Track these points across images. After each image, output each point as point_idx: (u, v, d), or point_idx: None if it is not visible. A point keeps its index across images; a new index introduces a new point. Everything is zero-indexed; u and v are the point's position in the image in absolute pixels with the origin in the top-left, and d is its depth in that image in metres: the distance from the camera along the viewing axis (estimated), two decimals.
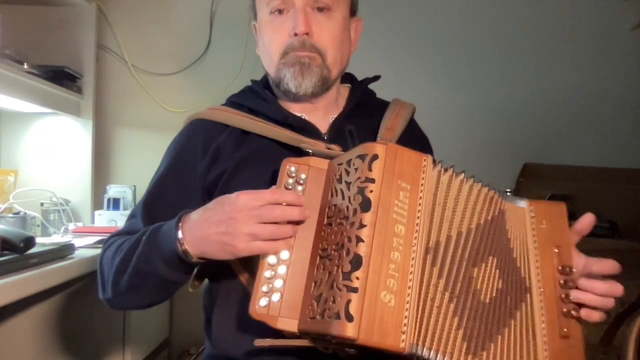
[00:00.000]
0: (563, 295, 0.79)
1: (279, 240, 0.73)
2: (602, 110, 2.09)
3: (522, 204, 0.83)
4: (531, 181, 1.96)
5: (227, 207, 0.74)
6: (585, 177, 1.95)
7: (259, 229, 0.72)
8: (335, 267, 0.69)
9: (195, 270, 0.90)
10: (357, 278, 0.66)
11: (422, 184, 0.73)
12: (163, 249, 0.80)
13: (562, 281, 0.79)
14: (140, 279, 0.84)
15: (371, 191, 0.70)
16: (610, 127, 2.08)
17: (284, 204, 0.73)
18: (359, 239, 0.68)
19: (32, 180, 1.86)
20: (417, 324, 0.69)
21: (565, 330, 0.77)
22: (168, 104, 2.08)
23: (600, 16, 2.07)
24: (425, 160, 0.75)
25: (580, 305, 0.79)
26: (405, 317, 0.67)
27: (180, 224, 0.79)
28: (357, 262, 0.67)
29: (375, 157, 0.71)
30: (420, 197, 0.73)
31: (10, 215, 1.58)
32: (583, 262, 0.81)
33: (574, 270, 0.80)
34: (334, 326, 0.66)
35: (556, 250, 0.81)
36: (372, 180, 0.70)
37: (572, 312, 0.78)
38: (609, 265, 0.80)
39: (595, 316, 0.79)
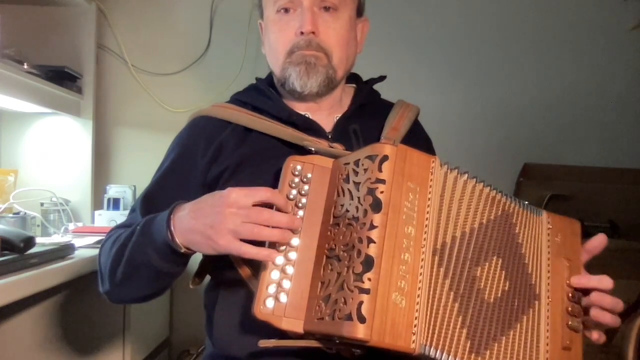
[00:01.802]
0: (569, 308, 0.80)
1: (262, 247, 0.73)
2: (602, 110, 2.09)
3: (542, 214, 0.84)
4: (531, 181, 1.96)
5: (218, 200, 0.73)
6: (585, 177, 1.95)
7: (243, 228, 0.71)
8: (345, 268, 0.69)
9: (197, 268, 0.90)
10: (369, 279, 0.66)
11: (430, 186, 0.74)
12: (155, 238, 0.79)
13: (570, 294, 0.80)
14: (134, 268, 0.83)
15: (382, 192, 0.70)
16: (610, 127, 2.08)
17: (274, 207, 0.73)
18: (370, 240, 0.68)
19: (32, 180, 1.86)
20: (426, 325, 0.69)
21: (567, 342, 0.78)
22: (168, 104, 2.08)
23: (600, 16, 2.07)
24: (433, 161, 0.75)
25: (590, 322, 0.80)
26: (416, 318, 0.67)
27: (172, 213, 0.78)
28: (368, 263, 0.67)
29: (385, 158, 0.71)
30: (429, 199, 0.73)
31: (10, 215, 1.58)
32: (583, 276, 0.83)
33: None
34: (345, 327, 0.65)
35: (567, 264, 0.82)
36: (383, 181, 0.70)
37: (576, 325, 0.79)
38: (603, 281, 0.81)
39: (595, 336, 0.81)
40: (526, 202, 0.84)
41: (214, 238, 0.72)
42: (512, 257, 0.79)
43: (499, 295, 0.76)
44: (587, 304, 0.81)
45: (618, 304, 0.80)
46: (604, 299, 0.79)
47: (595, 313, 0.79)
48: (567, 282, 0.81)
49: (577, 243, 0.85)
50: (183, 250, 0.77)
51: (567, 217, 0.86)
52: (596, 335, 0.81)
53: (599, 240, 0.85)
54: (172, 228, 0.77)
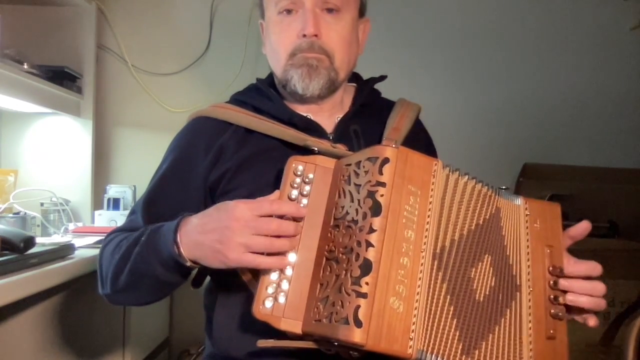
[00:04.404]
0: (552, 296, 0.78)
1: (272, 255, 0.73)
2: (602, 110, 2.09)
3: (518, 201, 0.82)
4: (531, 181, 1.96)
5: (224, 215, 0.73)
6: (585, 177, 1.95)
7: (252, 241, 0.72)
8: (344, 271, 0.69)
9: (194, 275, 0.90)
10: (367, 283, 0.66)
11: (432, 189, 0.73)
12: (161, 250, 0.80)
13: (551, 282, 0.79)
14: (138, 278, 0.84)
15: (382, 195, 0.69)
16: (610, 127, 2.09)
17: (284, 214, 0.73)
18: (369, 244, 0.68)
19: (32, 180, 1.86)
20: (424, 330, 0.69)
21: (551, 331, 0.77)
22: (168, 104, 2.08)
23: (600, 16, 2.07)
24: (435, 164, 0.74)
25: (571, 307, 0.79)
26: (413, 324, 0.67)
27: (179, 226, 0.78)
28: (366, 267, 0.67)
29: (386, 160, 0.71)
30: (430, 202, 0.73)
31: (10, 215, 1.58)
32: (572, 264, 0.82)
33: (564, 271, 0.80)
34: (341, 331, 0.65)
35: (548, 251, 0.80)
36: (383, 184, 0.70)
37: (559, 314, 0.78)
38: (590, 267, 0.80)
39: (591, 321, 0.80)
40: (503, 188, 0.82)
41: (223, 252, 0.73)
42: (499, 252, 0.78)
43: (487, 292, 0.75)
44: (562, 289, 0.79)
45: (596, 287, 0.78)
46: (574, 284, 0.78)
47: (570, 298, 0.78)
48: (549, 269, 0.79)
49: (557, 227, 0.83)
50: (189, 264, 0.78)
51: (546, 201, 0.84)
52: (592, 321, 0.80)
53: (583, 227, 0.83)
54: (178, 242, 0.77)
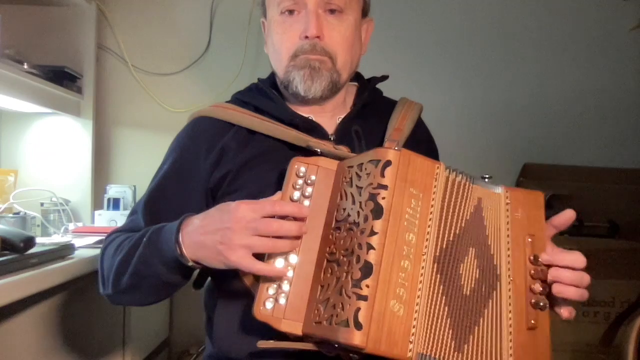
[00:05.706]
0: (533, 286, 0.77)
1: (274, 258, 0.73)
2: (602, 110, 2.09)
3: (498, 190, 0.81)
4: (531, 181, 1.96)
5: (226, 216, 0.74)
6: (585, 177, 1.96)
7: (254, 242, 0.72)
8: (344, 273, 0.69)
9: (196, 276, 0.90)
10: (367, 286, 0.66)
11: (434, 192, 0.73)
12: (163, 250, 0.80)
13: (532, 271, 0.78)
14: (140, 279, 0.84)
15: (383, 198, 0.69)
16: (610, 127, 2.09)
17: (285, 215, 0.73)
18: (370, 247, 0.67)
19: (32, 180, 1.86)
20: (424, 333, 0.68)
21: (532, 321, 0.76)
22: (168, 104, 2.08)
23: (600, 16, 2.07)
24: (438, 167, 0.74)
25: (554, 298, 0.78)
26: (414, 327, 0.67)
27: (181, 227, 0.78)
28: (367, 269, 0.67)
29: (388, 163, 0.70)
30: (432, 205, 0.72)
31: (10, 215, 1.57)
32: (556, 253, 0.80)
33: (545, 260, 0.78)
34: (341, 333, 0.65)
35: (529, 240, 0.79)
36: (385, 187, 0.70)
37: (541, 304, 0.76)
38: (574, 257, 0.78)
39: (565, 313, 0.78)
40: (486, 177, 0.80)
41: (224, 254, 0.73)
42: (481, 243, 0.77)
43: (473, 285, 0.75)
44: (549, 280, 0.77)
45: (583, 278, 0.77)
46: (562, 274, 0.76)
47: (557, 289, 0.76)
48: (530, 258, 0.78)
49: (540, 217, 0.81)
50: (191, 264, 0.78)
51: (529, 190, 0.82)
52: (566, 313, 0.78)
53: (567, 216, 0.81)
54: (180, 243, 0.77)
